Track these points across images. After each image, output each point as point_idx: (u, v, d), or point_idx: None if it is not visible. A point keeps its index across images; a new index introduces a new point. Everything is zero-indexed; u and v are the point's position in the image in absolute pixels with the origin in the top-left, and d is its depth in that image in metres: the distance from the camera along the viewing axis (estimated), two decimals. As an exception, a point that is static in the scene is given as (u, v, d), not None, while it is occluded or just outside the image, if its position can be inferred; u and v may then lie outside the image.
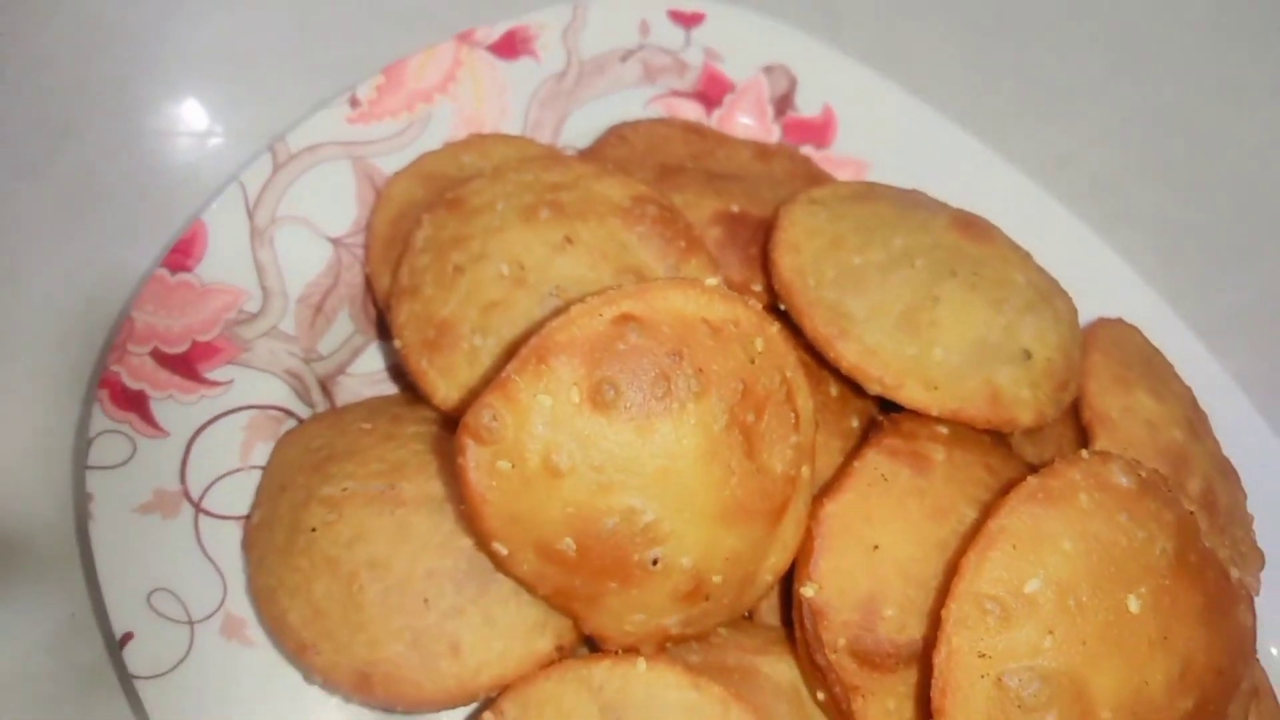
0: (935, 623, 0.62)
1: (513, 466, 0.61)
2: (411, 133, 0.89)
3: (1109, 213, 1.10)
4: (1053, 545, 0.61)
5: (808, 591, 0.68)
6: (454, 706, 0.68)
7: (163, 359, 0.76)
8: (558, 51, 0.96)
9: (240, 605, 0.71)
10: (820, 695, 0.70)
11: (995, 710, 0.60)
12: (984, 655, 0.60)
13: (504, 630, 0.66)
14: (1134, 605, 0.61)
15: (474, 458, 0.61)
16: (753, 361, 0.64)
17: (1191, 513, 0.66)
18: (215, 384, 0.77)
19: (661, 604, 0.64)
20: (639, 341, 0.61)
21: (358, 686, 0.66)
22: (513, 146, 0.88)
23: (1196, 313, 1.05)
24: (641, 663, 0.65)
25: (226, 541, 0.73)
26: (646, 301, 0.62)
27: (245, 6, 1.02)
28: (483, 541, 0.63)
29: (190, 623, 0.70)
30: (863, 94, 1.02)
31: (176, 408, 0.75)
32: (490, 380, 0.61)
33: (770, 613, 0.77)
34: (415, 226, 0.78)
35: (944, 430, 0.74)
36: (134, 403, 0.74)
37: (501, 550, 0.63)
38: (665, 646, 0.67)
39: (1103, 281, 0.95)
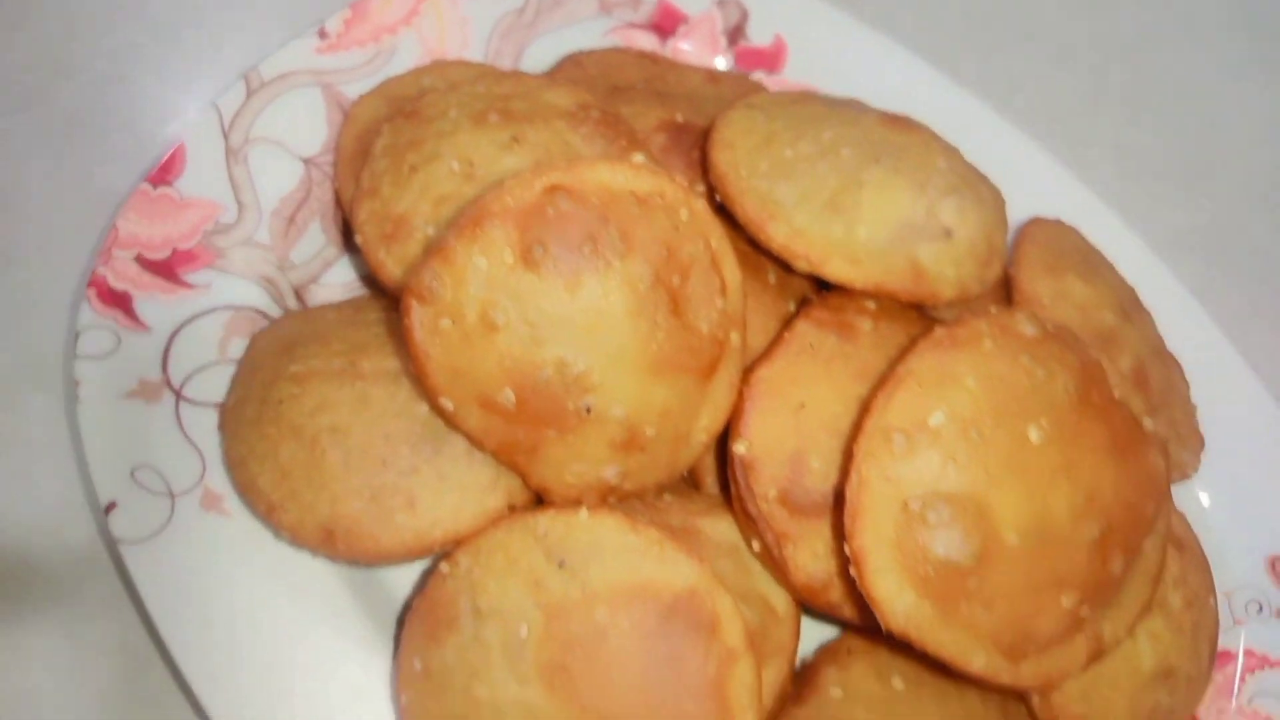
0: (850, 461, 0.67)
1: (453, 324, 0.66)
2: (377, 62, 0.95)
3: (1062, 136, 1.14)
4: (956, 383, 0.66)
5: (739, 448, 0.73)
6: (411, 559, 0.73)
7: (145, 263, 0.82)
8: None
9: (218, 481, 0.77)
10: (755, 546, 0.75)
11: (902, 533, 0.64)
12: (890, 481, 0.65)
13: (457, 487, 0.72)
14: (1034, 435, 0.65)
15: (417, 317, 0.66)
16: (677, 229, 0.69)
17: (1098, 361, 0.70)
18: (194, 286, 0.83)
19: (598, 453, 0.69)
20: (568, 208, 0.66)
21: (322, 541, 0.71)
22: (471, 70, 0.93)
23: (1153, 231, 1.09)
24: (584, 511, 0.70)
25: (205, 425, 0.79)
26: (576, 175, 0.67)
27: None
28: (431, 398, 0.69)
29: (171, 495, 0.76)
30: (814, 23, 1.07)
31: (158, 307, 0.81)
32: (432, 249, 0.67)
33: (714, 486, 0.82)
34: (375, 136, 0.83)
35: (871, 305, 0.78)
36: (119, 301, 0.80)
37: (448, 405, 0.68)
38: (608, 501, 0.72)
39: (1056, 199, 1.00)
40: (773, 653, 0.75)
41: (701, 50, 1.06)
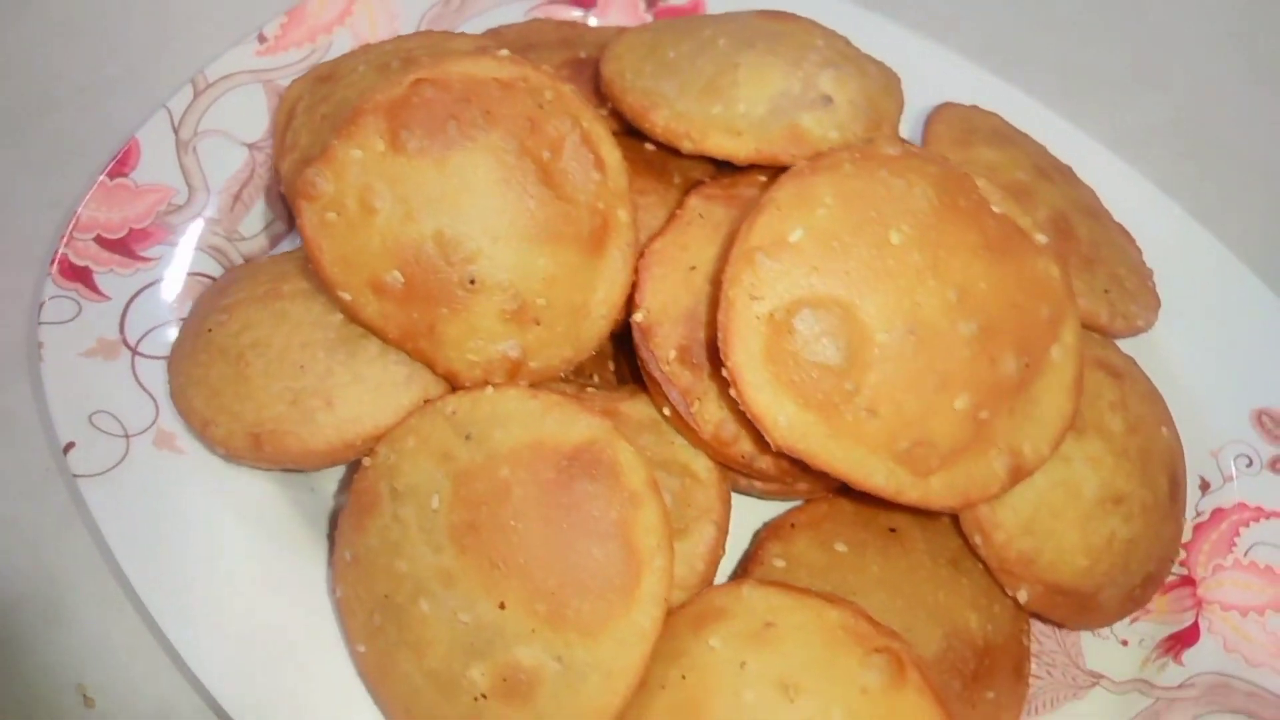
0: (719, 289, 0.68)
1: (338, 215, 0.71)
2: (314, 59, 1.03)
3: (1000, 56, 1.16)
4: (815, 202, 0.68)
5: (637, 317, 0.75)
6: (338, 460, 0.77)
7: (104, 243, 0.90)
8: (434, -24, 1.10)
9: (171, 423, 0.82)
10: (666, 411, 0.76)
11: (772, 344, 0.65)
12: (756, 297, 0.66)
13: (373, 385, 0.75)
14: (895, 239, 0.66)
15: (306, 215, 0.72)
16: (541, 107, 0.73)
17: (964, 173, 0.71)
18: (149, 260, 0.90)
19: (492, 327, 0.72)
20: (432, 95, 0.71)
21: (251, 448, 0.75)
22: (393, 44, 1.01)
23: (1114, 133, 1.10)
24: (489, 388, 0.73)
25: (159, 377, 0.84)
26: (440, 68, 0.73)
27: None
28: (331, 292, 0.73)
29: (126, 436, 0.81)
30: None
31: (116, 279, 0.88)
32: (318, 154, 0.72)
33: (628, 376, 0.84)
34: (297, 106, 0.91)
35: (762, 178, 0.81)
36: (80, 275, 0.87)
37: (346, 296, 0.73)
38: (519, 382, 0.75)
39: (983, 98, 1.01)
40: (698, 516, 0.75)
41: (623, 18, 1.12)
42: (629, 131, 0.86)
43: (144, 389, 0.84)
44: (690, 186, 0.85)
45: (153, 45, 1.18)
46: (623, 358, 0.87)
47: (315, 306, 0.78)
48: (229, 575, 0.77)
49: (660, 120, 0.80)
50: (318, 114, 0.86)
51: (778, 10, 0.89)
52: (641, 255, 0.77)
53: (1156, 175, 1.05)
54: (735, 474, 0.80)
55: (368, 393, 0.75)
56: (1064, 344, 0.71)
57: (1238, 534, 0.86)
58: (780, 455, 0.72)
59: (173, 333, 0.87)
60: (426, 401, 0.76)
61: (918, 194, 0.68)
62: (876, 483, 0.66)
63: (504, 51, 0.75)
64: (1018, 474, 0.69)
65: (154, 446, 0.81)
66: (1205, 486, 0.89)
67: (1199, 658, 0.81)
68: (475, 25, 1.08)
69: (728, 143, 0.78)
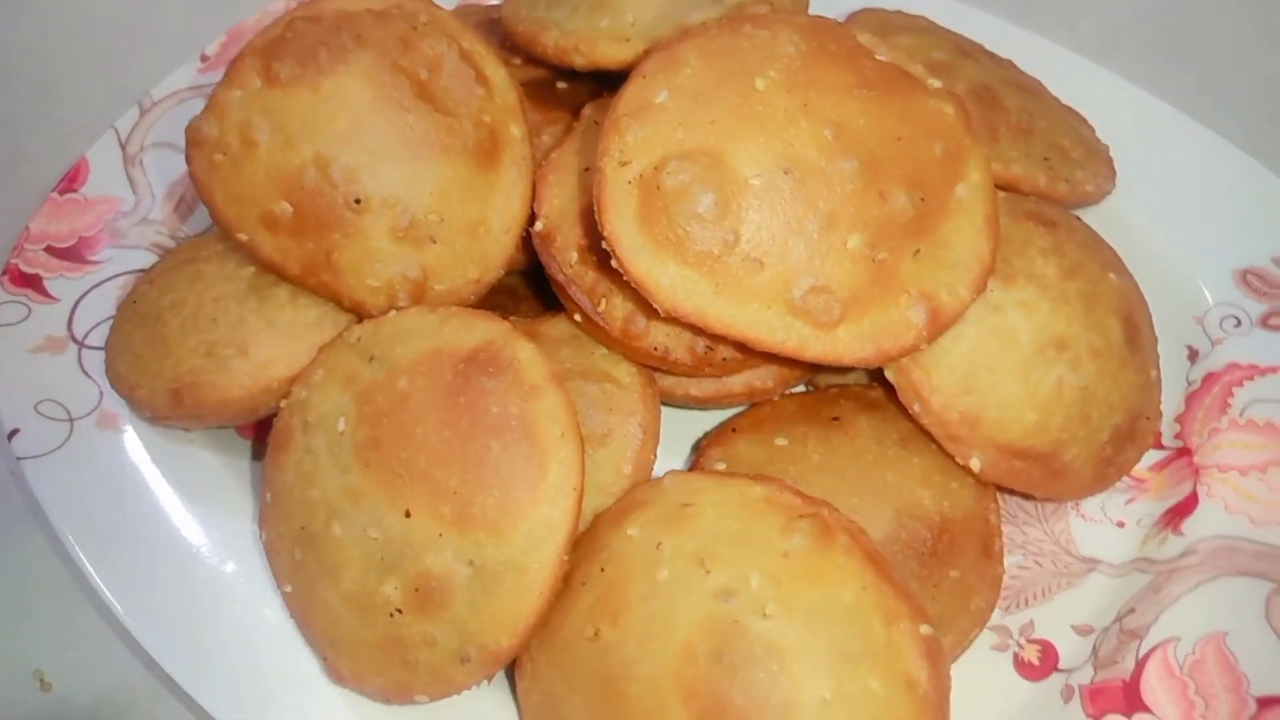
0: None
1: (224, 155, 0.72)
2: (255, 69, 1.06)
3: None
4: (680, 64, 0.66)
5: (536, 226, 0.74)
6: (257, 408, 0.76)
7: (54, 251, 0.92)
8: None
9: (115, 405, 0.83)
10: (577, 318, 0.74)
11: (645, 203, 0.63)
12: (625, 162, 0.64)
13: (285, 330, 0.75)
14: (760, 84, 0.64)
15: (196, 161, 0.73)
16: (415, 29, 0.74)
17: (836, 21, 0.68)
18: (98, 262, 0.92)
19: (388, 249, 0.72)
20: (304, 29, 0.72)
21: (172, 404, 0.75)
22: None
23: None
24: (392, 312, 0.72)
25: (101, 365, 0.86)
26: (314, 6, 0.74)
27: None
28: (229, 234, 0.74)
29: (70, 419, 0.82)
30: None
31: (65, 282, 0.91)
32: (206, 104, 0.74)
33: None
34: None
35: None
36: (29, 281, 0.90)
37: (243, 237, 0.73)
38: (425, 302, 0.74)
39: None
40: (621, 419, 0.72)
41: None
42: (547, 77, 0.86)
43: (88, 376, 0.85)
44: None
45: (105, 67, 1.23)
46: (538, 297, 0.85)
47: (229, 264, 0.79)
48: (171, 545, 0.76)
49: (550, 41, 0.80)
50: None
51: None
52: (539, 169, 0.76)
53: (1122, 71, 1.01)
54: (669, 386, 0.77)
55: (280, 336, 0.75)
56: (970, 183, 0.67)
57: (1231, 394, 0.79)
58: (705, 347, 0.70)
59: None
60: (339, 337, 0.75)
61: (783, 40, 0.66)
62: (775, 339, 0.63)
63: (382, -18, 0.76)
64: (937, 320, 0.65)
65: (96, 428, 0.82)
66: (1194, 355, 0.83)
67: (1199, 524, 0.74)
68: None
69: (616, 50, 0.77)
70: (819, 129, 0.63)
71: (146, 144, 1.00)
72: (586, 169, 0.74)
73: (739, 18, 0.68)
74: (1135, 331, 0.74)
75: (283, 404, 0.74)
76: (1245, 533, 0.72)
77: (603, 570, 0.63)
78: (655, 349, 0.71)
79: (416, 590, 0.64)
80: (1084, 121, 0.92)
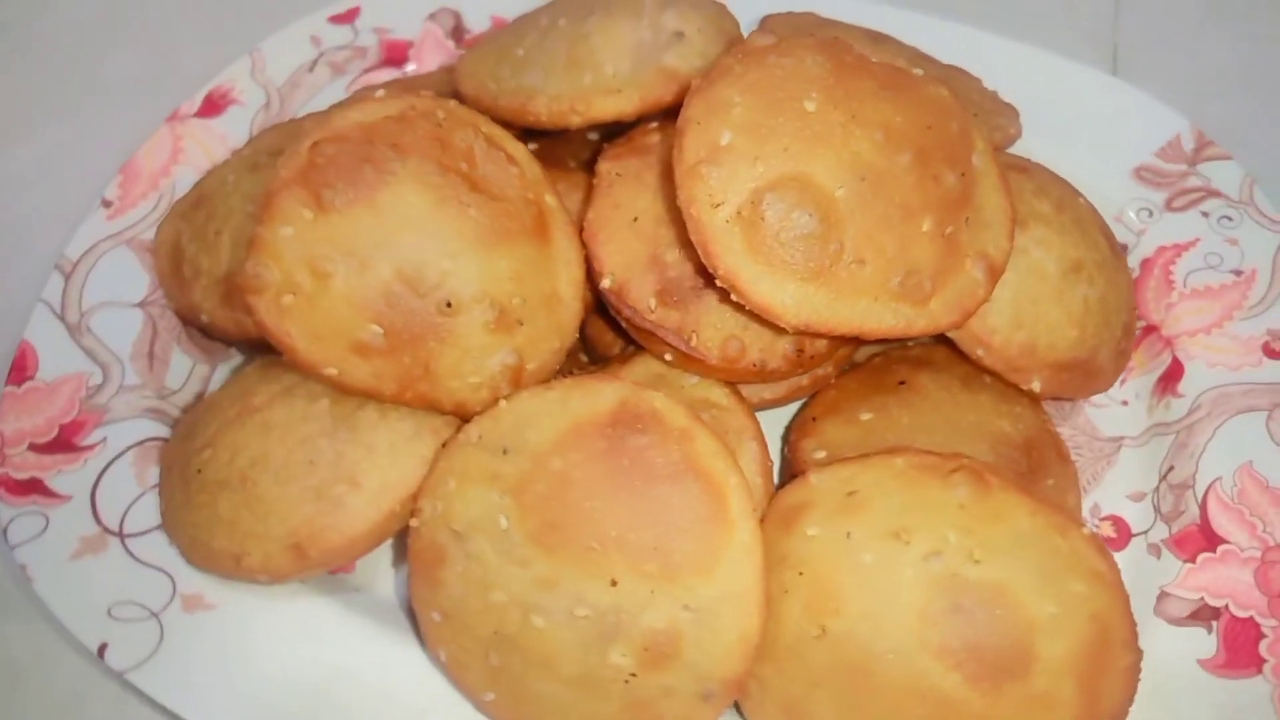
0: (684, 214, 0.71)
1: (294, 296, 0.70)
2: (163, 204, 1.00)
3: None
4: (727, 105, 0.71)
5: (605, 283, 0.77)
6: (382, 538, 0.75)
7: (39, 448, 0.85)
8: (255, 91, 1.09)
9: (191, 585, 0.78)
10: (669, 357, 0.78)
11: (752, 236, 0.69)
12: (717, 204, 0.69)
13: (388, 450, 0.74)
14: (810, 106, 0.70)
15: (262, 309, 0.70)
16: (440, 125, 0.74)
17: (833, 37, 0.76)
18: (92, 446, 0.86)
19: (483, 342, 0.73)
20: (335, 150, 0.71)
21: (296, 562, 0.73)
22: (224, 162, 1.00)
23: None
24: (501, 402, 0.73)
25: (157, 547, 0.80)
26: (329, 126, 0.73)
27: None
28: (316, 373, 0.72)
29: (154, 614, 0.77)
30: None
31: (69, 476, 0.83)
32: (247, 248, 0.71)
33: (618, 347, 0.86)
34: (180, 240, 0.89)
35: (653, 124, 0.84)
36: (30, 487, 0.82)
37: (333, 372, 0.71)
38: (520, 387, 0.75)
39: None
40: (736, 436, 0.77)
41: (437, 61, 1.14)
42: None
43: (148, 565, 0.80)
44: (590, 160, 0.87)
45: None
46: (584, 343, 0.88)
47: (295, 403, 0.76)
48: (313, 701, 0.74)
49: (541, 108, 0.82)
50: (209, 234, 0.84)
51: (595, -17, 0.93)
52: (582, 231, 0.79)
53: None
54: (746, 395, 0.83)
55: (385, 458, 0.74)
56: (980, 150, 0.77)
57: (1170, 272, 0.94)
58: (796, 350, 0.76)
59: (150, 504, 0.83)
60: (444, 444, 0.75)
61: (809, 63, 0.73)
62: (889, 324, 0.70)
63: (379, 91, 0.76)
64: (993, 274, 0.74)
65: (186, 613, 0.77)
66: (1125, 248, 0.98)
67: (1192, 383, 0.88)
68: (340, 84, 1.09)
69: (612, 103, 0.81)
70: (872, 134, 0.70)
71: (85, 309, 0.93)
72: (635, 219, 0.78)
73: (753, 51, 0.74)
74: (1112, 240, 0.87)
75: (413, 523, 0.73)
76: (1229, 379, 0.87)
77: (801, 574, 0.69)
78: (753, 365, 0.76)
79: (646, 650, 0.66)
80: (966, 73, 1.05)
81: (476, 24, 1.15)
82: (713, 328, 0.76)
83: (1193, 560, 0.79)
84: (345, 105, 0.74)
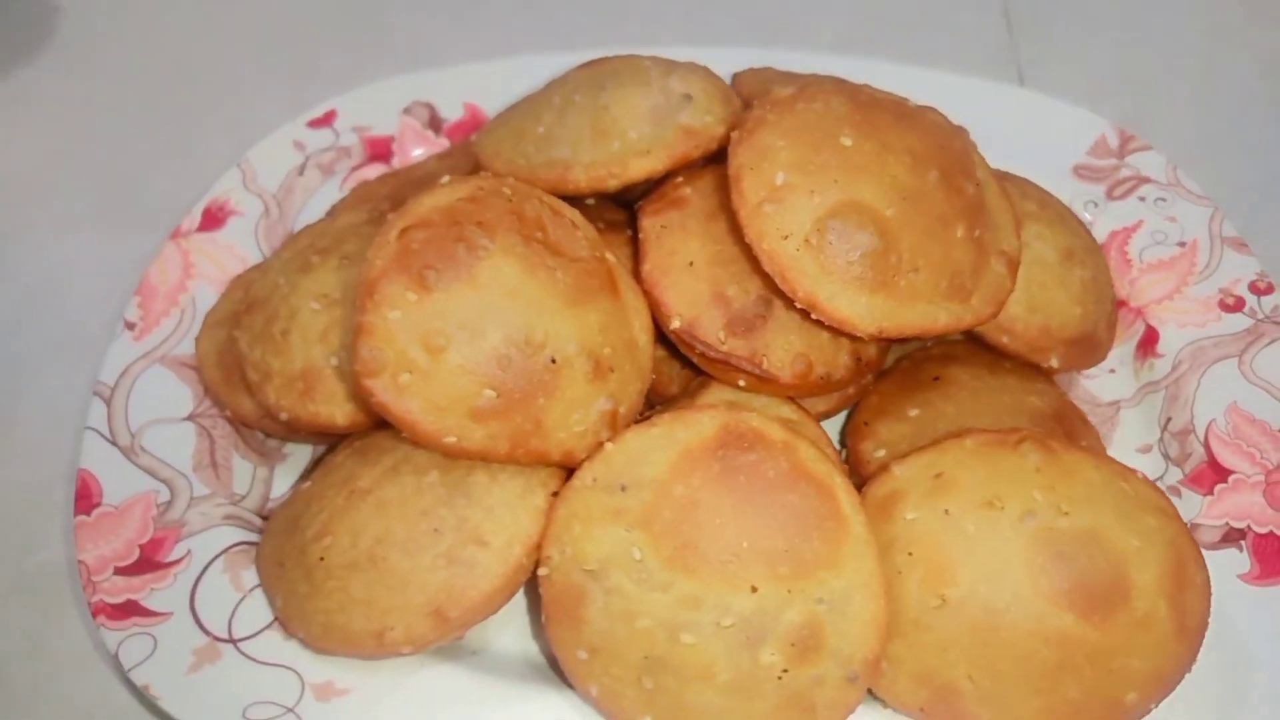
0: (753, 258, 0.79)
1: (410, 374, 0.74)
2: (186, 319, 1.02)
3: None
4: (773, 150, 0.80)
5: (675, 324, 0.84)
6: (512, 591, 0.78)
7: (125, 571, 0.84)
8: (251, 200, 1.12)
9: (318, 674, 0.80)
10: (743, 383, 0.85)
11: (823, 261, 0.77)
12: (786, 236, 0.77)
13: (504, 508, 0.78)
14: (847, 141, 0.80)
15: (381, 390, 0.74)
16: (511, 200, 0.80)
17: (843, 79, 0.86)
18: (178, 561, 0.86)
19: (584, 392, 0.78)
20: (424, 235, 0.76)
21: (438, 627, 0.75)
22: (257, 267, 1.03)
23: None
24: (607, 445, 0.78)
25: (272, 646, 0.81)
26: (412, 212, 0.78)
27: None
28: (437, 444, 0.75)
29: (290, 710, 0.78)
30: (484, 81, 1.22)
31: (163, 593, 0.84)
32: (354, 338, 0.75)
33: (677, 385, 0.92)
34: (232, 351, 0.91)
35: (680, 178, 0.92)
36: (128, 610, 0.82)
37: (452, 440, 0.75)
38: (617, 430, 0.80)
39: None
40: (814, 441, 0.84)
41: (420, 148, 1.19)
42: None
43: (269, 664, 0.81)
44: (621, 220, 0.94)
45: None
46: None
47: (405, 480, 0.79)
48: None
49: (580, 175, 0.89)
50: (273, 334, 0.87)
51: (589, 60, 1.01)
52: (641, 282, 0.85)
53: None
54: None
55: (506, 515, 0.78)
56: (979, 163, 0.88)
57: (1126, 253, 1.07)
58: (854, 359, 0.84)
59: (252, 607, 0.84)
60: (554, 494, 0.79)
61: (835, 105, 0.82)
62: (944, 322, 0.79)
63: (445, 178, 0.81)
64: (1013, 268, 0.85)
65: (321, 702, 0.79)
66: (1079, 238, 1.11)
67: (1169, 343, 1.00)
68: (302, 220, 1.12)
69: (645, 163, 0.88)
70: (902, 159, 0.80)
71: (135, 430, 0.94)
72: (690, 264, 0.85)
73: (780, 101, 0.83)
74: (1084, 226, 0.99)
75: (542, 572, 0.77)
76: (1199, 334, 1.00)
77: (911, 554, 0.76)
78: (820, 378, 0.84)
79: (793, 645, 0.72)
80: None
81: (451, 113, 1.21)
82: (780, 350, 0.83)
83: (1210, 493, 0.90)
84: (419, 194, 0.78)
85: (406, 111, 1.21)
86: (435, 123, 1.21)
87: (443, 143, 1.20)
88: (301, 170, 1.15)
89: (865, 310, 0.77)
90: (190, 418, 0.96)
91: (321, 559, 0.78)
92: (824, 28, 1.47)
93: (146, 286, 1.03)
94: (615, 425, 0.80)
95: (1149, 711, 0.74)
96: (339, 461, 0.84)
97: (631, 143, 0.90)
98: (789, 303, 0.82)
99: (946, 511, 0.76)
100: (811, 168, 0.78)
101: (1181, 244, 1.06)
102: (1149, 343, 1.02)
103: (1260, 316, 0.99)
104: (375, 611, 0.76)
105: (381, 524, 0.78)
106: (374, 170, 1.17)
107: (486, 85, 1.22)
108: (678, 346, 0.86)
